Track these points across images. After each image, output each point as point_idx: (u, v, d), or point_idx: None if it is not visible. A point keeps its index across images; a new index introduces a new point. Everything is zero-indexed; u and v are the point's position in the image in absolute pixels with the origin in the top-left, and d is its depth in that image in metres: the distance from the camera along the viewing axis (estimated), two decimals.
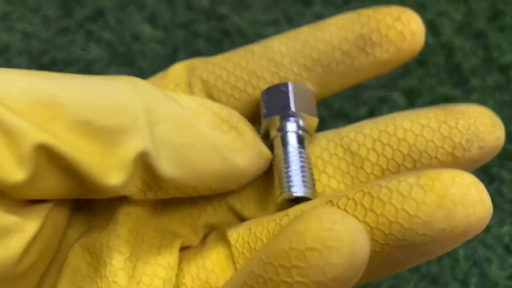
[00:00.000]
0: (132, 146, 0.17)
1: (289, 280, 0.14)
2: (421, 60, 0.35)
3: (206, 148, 0.18)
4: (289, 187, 0.19)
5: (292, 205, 0.19)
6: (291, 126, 0.20)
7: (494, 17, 0.36)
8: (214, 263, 0.19)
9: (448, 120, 0.19)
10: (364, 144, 0.20)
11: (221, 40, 0.35)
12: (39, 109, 0.16)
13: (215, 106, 0.19)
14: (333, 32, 0.21)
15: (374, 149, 0.20)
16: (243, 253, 0.19)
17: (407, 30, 0.21)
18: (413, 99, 0.34)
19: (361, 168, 0.20)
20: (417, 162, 0.19)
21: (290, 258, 0.14)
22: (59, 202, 0.18)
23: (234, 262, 0.19)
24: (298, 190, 0.19)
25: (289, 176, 0.19)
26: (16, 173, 0.16)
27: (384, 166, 0.20)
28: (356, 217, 0.17)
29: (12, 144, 0.15)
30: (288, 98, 0.20)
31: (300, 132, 0.20)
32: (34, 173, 0.16)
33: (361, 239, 0.14)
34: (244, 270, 0.17)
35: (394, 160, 0.20)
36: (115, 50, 0.34)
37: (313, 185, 0.20)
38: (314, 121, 0.21)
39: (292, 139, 0.20)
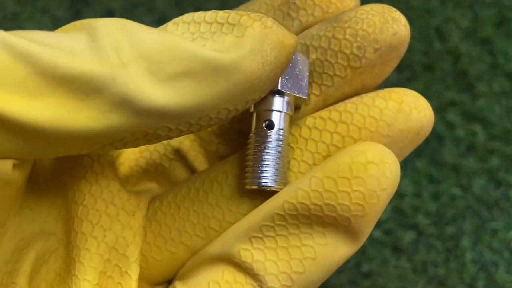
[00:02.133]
0: (105, 94, 0.15)
1: (347, 189, 0.17)
2: (428, 65, 0.35)
3: (203, 69, 0.16)
4: (261, 177, 0.19)
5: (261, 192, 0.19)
6: (278, 105, 0.19)
7: (500, 24, 0.36)
8: None
9: (336, 33, 0.19)
10: None
11: None
12: None
13: (209, 14, 0.17)
14: (262, 2, 0.21)
15: None
16: None
17: None
18: None
19: None
20: (322, 86, 0.19)
21: (352, 170, 0.17)
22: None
23: None
24: (270, 182, 0.19)
25: (263, 166, 0.19)
26: None
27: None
28: (328, 131, 0.19)
29: None
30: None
31: (286, 111, 0.19)
32: None
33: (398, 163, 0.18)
34: (283, 195, 0.18)
35: None
36: None
37: (287, 174, 0.19)
38: (302, 100, 0.20)
39: (276, 120, 0.19)
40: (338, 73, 0.19)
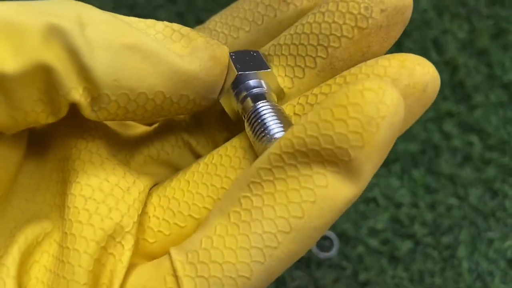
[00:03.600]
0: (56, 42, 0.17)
1: (344, 117, 0.16)
2: None
3: (149, 50, 0.18)
4: (271, 136, 0.19)
5: None
6: (245, 89, 0.20)
7: (497, 35, 0.37)
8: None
9: None
10: (281, 53, 0.21)
11: None
12: None
13: (167, 23, 0.20)
14: None
15: (291, 54, 0.21)
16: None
17: None
18: None
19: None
20: (329, 48, 0.20)
21: (348, 97, 0.16)
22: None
23: None
24: (280, 134, 0.19)
25: (267, 127, 0.19)
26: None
27: (311, 64, 0.21)
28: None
29: None
30: (231, 65, 0.20)
31: (258, 90, 0.20)
32: None
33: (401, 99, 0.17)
34: (284, 139, 0.18)
35: (310, 56, 0.21)
36: None
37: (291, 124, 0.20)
38: (269, 74, 0.21)
39: (255, 98, 0.20)
40: (345, 34, 0.20)
